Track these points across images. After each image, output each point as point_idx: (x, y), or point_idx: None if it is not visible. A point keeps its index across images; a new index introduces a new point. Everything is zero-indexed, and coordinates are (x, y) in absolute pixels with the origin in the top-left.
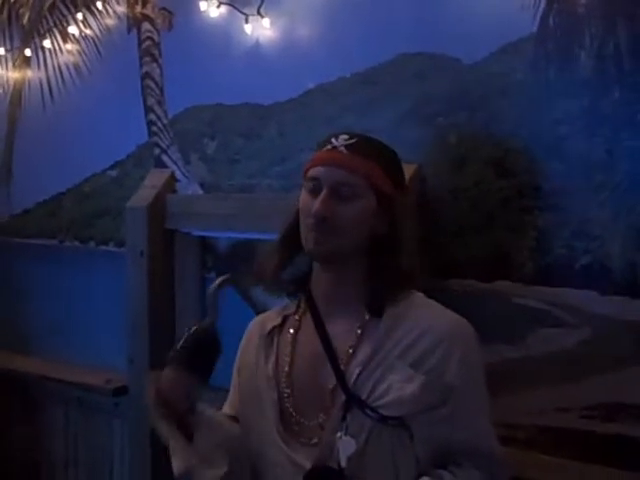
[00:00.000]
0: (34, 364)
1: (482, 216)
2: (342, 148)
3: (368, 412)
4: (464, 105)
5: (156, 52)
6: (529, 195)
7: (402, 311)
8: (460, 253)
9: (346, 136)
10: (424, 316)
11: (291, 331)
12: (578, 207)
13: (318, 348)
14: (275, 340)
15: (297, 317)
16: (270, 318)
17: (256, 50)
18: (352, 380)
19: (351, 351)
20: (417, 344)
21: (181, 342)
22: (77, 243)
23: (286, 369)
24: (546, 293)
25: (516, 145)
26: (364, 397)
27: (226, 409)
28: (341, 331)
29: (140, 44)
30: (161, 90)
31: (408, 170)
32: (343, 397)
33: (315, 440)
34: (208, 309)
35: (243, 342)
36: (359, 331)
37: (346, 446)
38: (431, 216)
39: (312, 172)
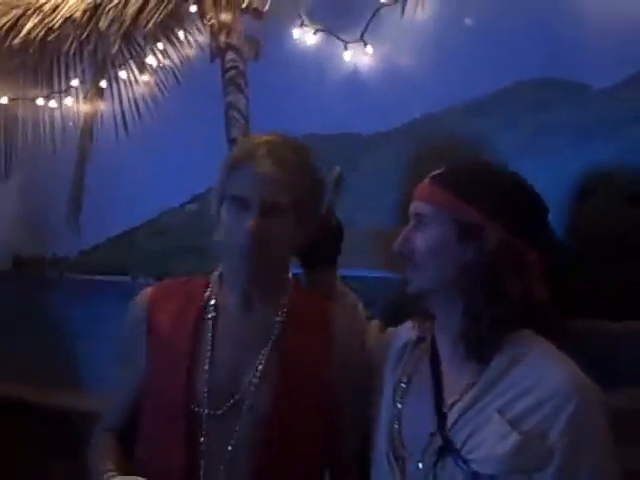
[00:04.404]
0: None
1: (614, 248)
2: (427, 180)
3: (460, 463)
4: (593, 134)
5: (242, 82)
6: None
7: (513, 359)
8: (588, 289)
9: (443, 168)
10: (536, 368)
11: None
12: None
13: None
14: (405, 357)
15: (428, 342)
16: (407, 329)
17: (355, 77)
18: (450, 426)
19: (457, 396)
20: (521, 399)
21: None
22: (151, 280)
23: (400, 395)
24: None
25: None
26: (458, 446)
27: None
28: (456, 372)
29: (224, 74)
30: (246, 121)
31: None
32: (440, 442)
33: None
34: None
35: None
36: (467, 379)
37: None
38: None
39: None
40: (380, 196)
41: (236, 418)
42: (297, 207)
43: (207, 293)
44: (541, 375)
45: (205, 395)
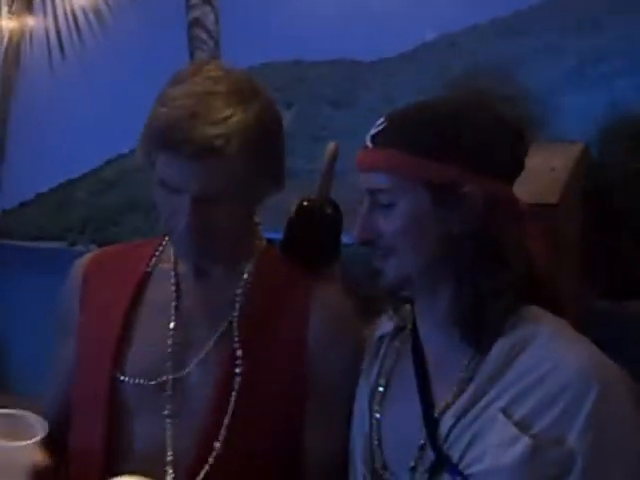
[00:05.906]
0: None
1: None
2: (368, 142)
3: None
4: None
5: None
6: None
7: (517, 345)
8: None
9: (381, 121)
10: (546, 354)
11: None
12: None
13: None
14: (381, 352)
15: (408, 332)
16: (384, 321)
17: None
18: (443, 435)
19: (450, 397)
20: (531, 393)
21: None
22: (94, 247)
23: (378, 403)
24: None
25: None
26: (456, 459)
27: None
28: (446, 366)
29: None
30: (216, 42)
31: (571, 152)
32: (432, 456)
33: None
34: (321, 180)
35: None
36: (461, 374)
37: None
38: (602, 214)
39: None
40: None
41: (171, 401)
42: (248, 164)
43: (155, 258)
44: (553, 363)
45: (136, 367)
